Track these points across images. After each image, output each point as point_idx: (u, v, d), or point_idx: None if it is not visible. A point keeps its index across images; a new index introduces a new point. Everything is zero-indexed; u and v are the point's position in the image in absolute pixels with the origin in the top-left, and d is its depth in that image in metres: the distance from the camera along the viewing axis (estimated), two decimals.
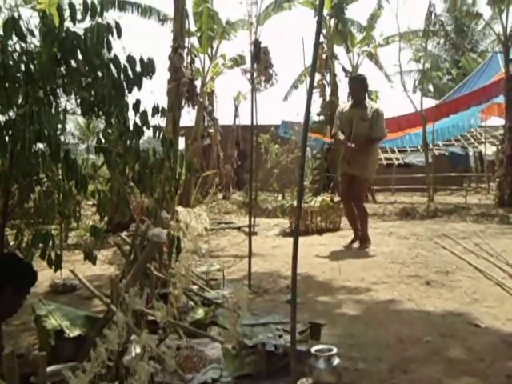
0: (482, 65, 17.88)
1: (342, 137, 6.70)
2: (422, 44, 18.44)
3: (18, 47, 2.74)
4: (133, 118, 2.95)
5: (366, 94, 7.12)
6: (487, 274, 4.94)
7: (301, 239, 2.33)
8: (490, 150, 19.73)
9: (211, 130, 16.83)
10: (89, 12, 2.73)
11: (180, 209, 4.30)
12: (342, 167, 6.88)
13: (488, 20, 16.93)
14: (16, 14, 2.73)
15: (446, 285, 4.69)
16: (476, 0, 28.25)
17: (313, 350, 2.77)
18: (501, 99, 12.87)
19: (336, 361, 2.73)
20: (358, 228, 6.85)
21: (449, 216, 10.20)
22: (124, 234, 5.48)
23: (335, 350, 2.75)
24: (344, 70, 16.50)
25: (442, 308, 4.05)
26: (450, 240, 6.91)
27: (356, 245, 6.75)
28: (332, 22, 15.76)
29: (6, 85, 2.65)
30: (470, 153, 22.51)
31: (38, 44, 2.79)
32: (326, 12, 15.02)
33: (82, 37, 2.70)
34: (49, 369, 2.50)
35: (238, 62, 15.44)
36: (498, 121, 16.70)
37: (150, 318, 3.01)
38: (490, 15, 19.64)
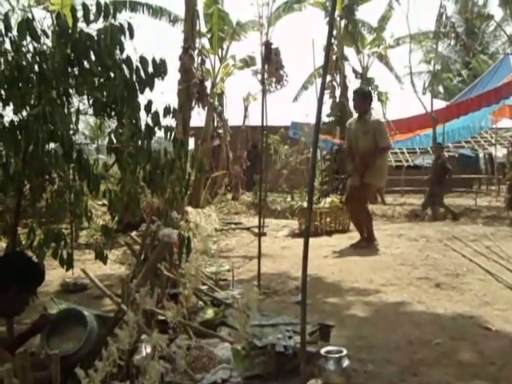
0: (493, 66, 17.79)
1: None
2: (433, 45, 18.38)
3: (31, 48, 2.77)
4: (144, 118, 2.98)
5: (370, 107, 7.19)
6: (498, 276, 4.92)
7: (310, 240, 2.33)
8: (500, 152, 19.59)
9: (221, 131, 16.83)
10: (102, 13, 2.75)
11: (190, 209, 4.32)
12: (354, 178, 7.01)
13: (499, 21, 16.86)
14: (29, 15, 2.75)
15: (456, 287, 4.67)
16: (487, 1, 28.08)
17: (322, 351, 2.77)
18: None
19: (345, 362, 2.72)
20: (364, 230, 7.00)
21: (459, 218, 10.15)
22: (134, 233, 5.49)
23: (345, 352, 2.74)
24: (354, 71, 16.49)
25: (453, 310, 4.03)
26: (460, 242, 6.88)
27: (363, 244, 6.84)
28: (342, 23, 15.74)
29: (20, 85, 2.68)
30: (480, 155, 22.38)
31: (51, 45, 2.81)
32: (336, 13, 14.99)
33: (95, 38, 2.72)
34: None
35: (247, 62, 15.45)
36: (508, 123, 16.61)
37: (161, 317, 3.02)
38: (502, 16, 19.52)
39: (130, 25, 2.86)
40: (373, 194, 8.33)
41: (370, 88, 8.37)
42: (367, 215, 7.13)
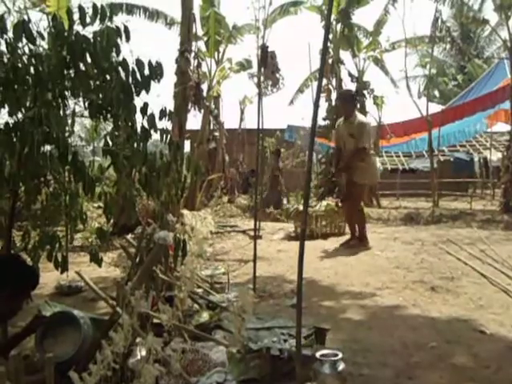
0: (489, 71, 17.86)
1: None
2: (428, 50, 18.41)
3: (27, 50, 2.76)
4: (140, 120, 2.97)
5: (355, 109, 7.43)
6: (492, 280, 4.93)
7: (306, 243, 2.32)
8: (495, 156, 19.67)
9: (217, 134, 16.85)
10: (98, 15, 2.75)
11: (185, 212, 4.31)
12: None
13: (494, 26, 16.91)
14: (25, 17, 2.75)
15: (451, 291, 4.68)
16: (482, 6, 28.18)
17: (318, 354, 2.76)
18: (507, 105, 12.84)
19: (341, 366, 2.72)
20: (356, 229, 7.27)
21: (454, 222, 10.18)
22: (129, 236, 5.48)
23: (340, 355, 2.74)
24: (350, 74, 16.54)
25: (448, 314, 4.04)
26: (455, 246, 6.89)
27: (353, 243, 7.09)
28: (338, 26, 15.78)
29: (15, 87, 2.67)
30: (475, 159, 22.46)
31: (47, 47, 2.81)
32: (332, 17, 15.03)
33: (92, 40, 2.72)
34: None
35: (244, 66, 15.49)
36: (503, 127, 16.68)
37: (156, 320, 3.01)
38: (497, 21, 19.57)
39: (126, 27, 2.86)
40: (365, 193, 8.59)
41: (354, 91, 8.59)
42: (361, 215, 7.34)
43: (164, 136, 3.02)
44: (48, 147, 2.77)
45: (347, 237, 7.51)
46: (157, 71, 2.92)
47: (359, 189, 7.28)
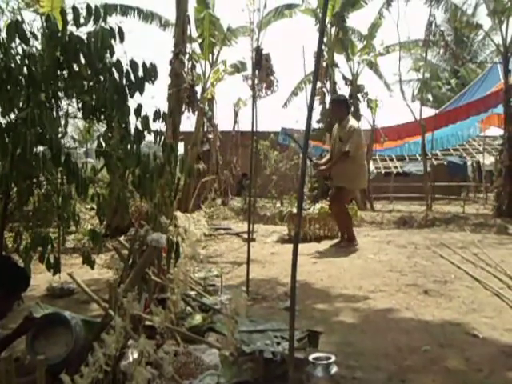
0: (482, 75, 17.95)
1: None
2: (422, 54, 18.48)
3: (20, 50, 2.75)
4: (134, 122, 2.96)
5: (348, 113, 7.52)
6: (485, 283, 4.93)
7: (299, 246, 2.32)
8: (488, 160, 19.77)
9: (211, 136, 16.81)
10: (92, 16, 2.74)
11: (179, 214, 4.29)
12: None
13: (488, 31, 16.98)
14: (19, 17, 2.74)
15: (444, 294, 4.68)
16: (476, 11, 28.29)
17: (311, 357, 2.76)
18: (500, 110, 12.90)
19: (334, 369, 2.72)
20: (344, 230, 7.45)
21: (447, 225, 10.20)
22: (122, 238, 5.46)
23: (333, 358, 2.74)
24: (344, 78, 16.58)
25: (440, 317, 4.04)
26: (448, 249, 6.91)
27: (343, 244, 7.23)
28: (333, 30, 15.81)
29: (8, 87, 2.66)
30: (468, 162, 22.57)
31: (40, 47, 2.80)
32: (327, 20, 15.06)
33: (85, 41, 2.71)
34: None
35: (238, 68, 15.48)
36: (496, 131, 16.77)
37: (148, 323, 3.00)
38: (490, 26, 19.64)
39: (120, 28, 2.85)
40: (349, 197, 8.67)
41: (345, 96, 8.71)
42: (346, 216, 7.49)
43: (158, 138, 3.01)
44: (41, 148, 2.76)
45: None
46: (151, 73, 2.92)
47: (341, 192, 7.42)
